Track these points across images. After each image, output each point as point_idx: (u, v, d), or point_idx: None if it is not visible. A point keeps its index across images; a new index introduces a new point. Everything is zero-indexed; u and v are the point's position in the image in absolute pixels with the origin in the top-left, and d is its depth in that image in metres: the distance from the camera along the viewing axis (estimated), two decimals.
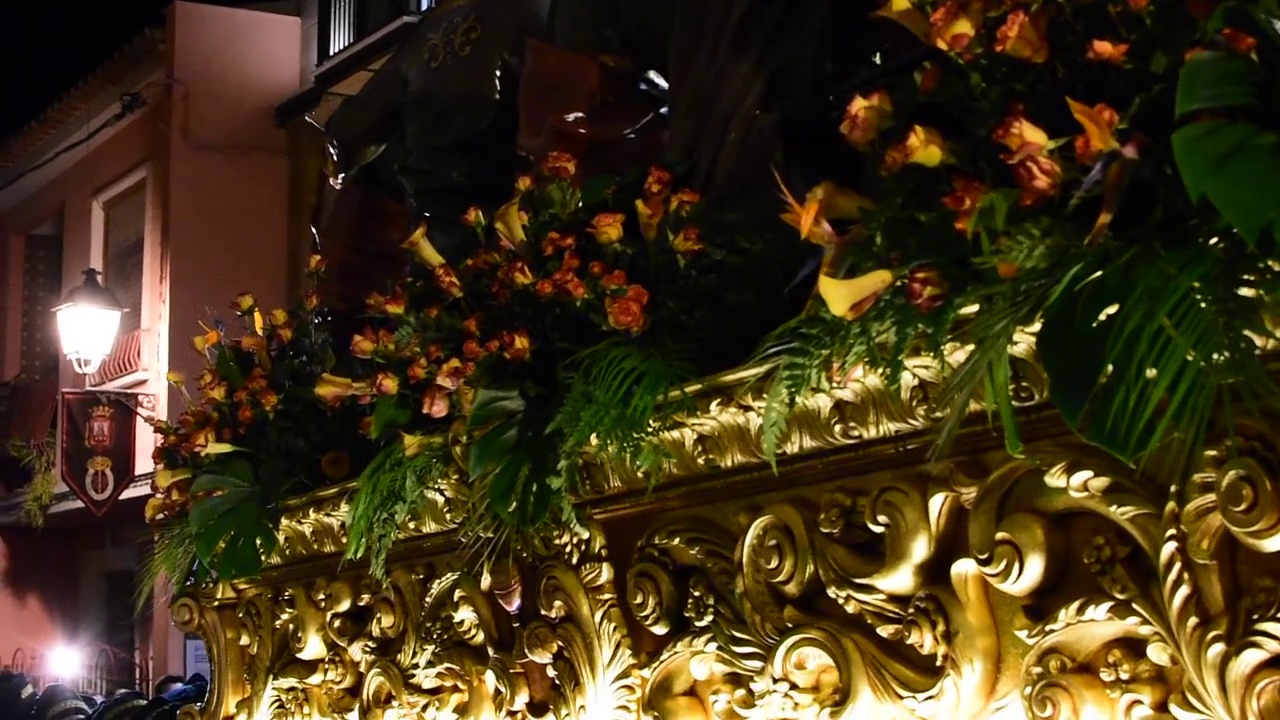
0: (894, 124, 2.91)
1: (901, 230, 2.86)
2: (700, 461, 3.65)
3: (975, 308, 2.69)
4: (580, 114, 4.83)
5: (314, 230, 6.77)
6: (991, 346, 2.58)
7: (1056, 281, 2.50)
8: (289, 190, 19.34)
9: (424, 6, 16.22)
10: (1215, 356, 2.24)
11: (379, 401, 4.48)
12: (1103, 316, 2.42)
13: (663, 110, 4.85)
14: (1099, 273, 2.46)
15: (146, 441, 17.10)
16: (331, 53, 17.83)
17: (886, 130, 2.93)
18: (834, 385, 3.10)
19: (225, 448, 5.48)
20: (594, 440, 3.73)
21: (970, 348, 2.77)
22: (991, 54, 2.72)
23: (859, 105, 2.93)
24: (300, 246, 18.04)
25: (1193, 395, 2.26)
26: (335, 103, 16.47)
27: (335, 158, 6.28)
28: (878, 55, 4.22)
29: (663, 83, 4.85)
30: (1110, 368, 2.38)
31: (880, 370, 2.94)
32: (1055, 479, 2.81)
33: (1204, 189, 2.24)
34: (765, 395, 3.24)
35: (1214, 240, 2.34)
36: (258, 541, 5.32)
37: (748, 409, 3.43)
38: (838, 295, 2.83)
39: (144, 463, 18.67)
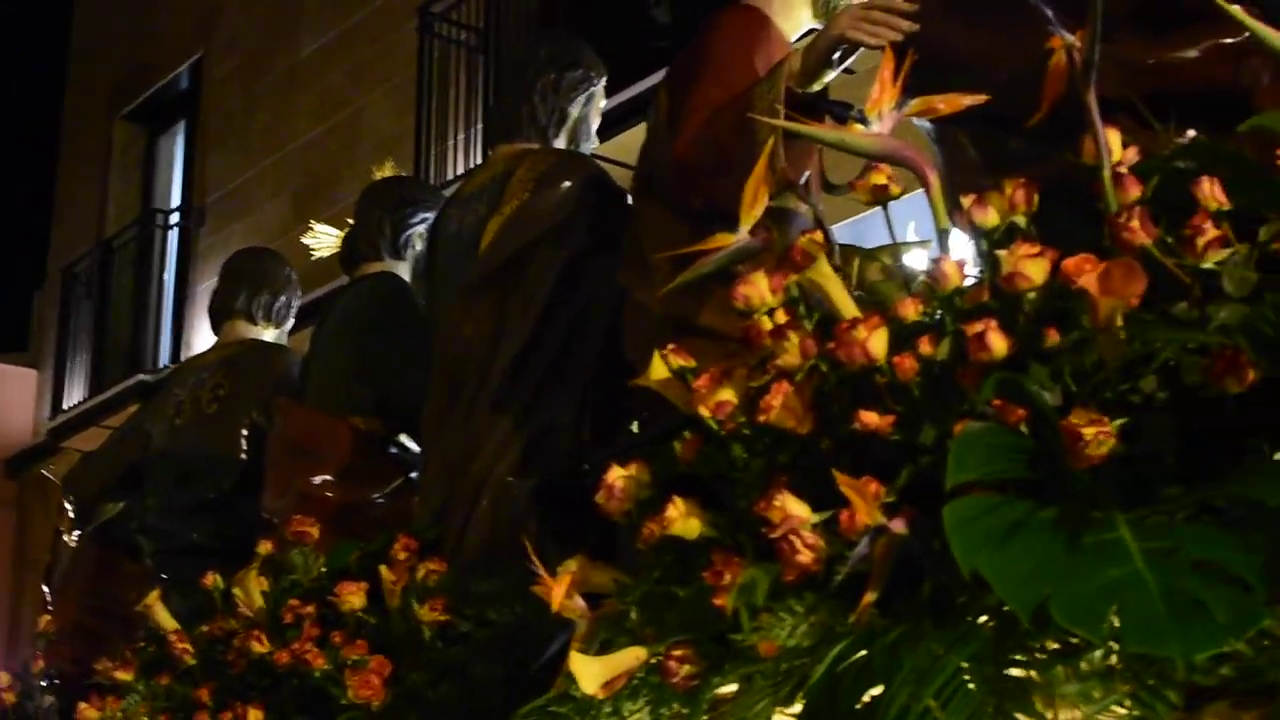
0: (652, 494, 2.80)
1: (658, 605, 2.73)
2: None
3: (734, 687, 2.55)
4: (328, 477, 4.68)
5: (45, 589, 6.47)
6: None
7: (819, 660, 2.38)
8: (14, 544, 18.69)
9: (161, 365, 16.08)
10: None
11: None
12: (866, 698, 2.30)
13: (413, 475, 4.72)
14: (863, 652, 2.35)
15: None
16: (65, 407, 17.48)
17: (644, 500, 2.81)
18: None
19: None
20: None
21: None
22: (754, 424, 2.64)
23: (615, 474, 2.81)
24: (23, 602, 17.40)
25: None
26: (67, 457, 16.15)
27: (71, 513, 6.02)
28: (635, 424, 4.15)
29: (414, 446, 4.74)
30: None
31: None
32: None
33: (975, 564, 2.13)
34: None
35: (983, 618, 2.24)
36: None
37: None
38: (589, 673, 2.67)
39: None
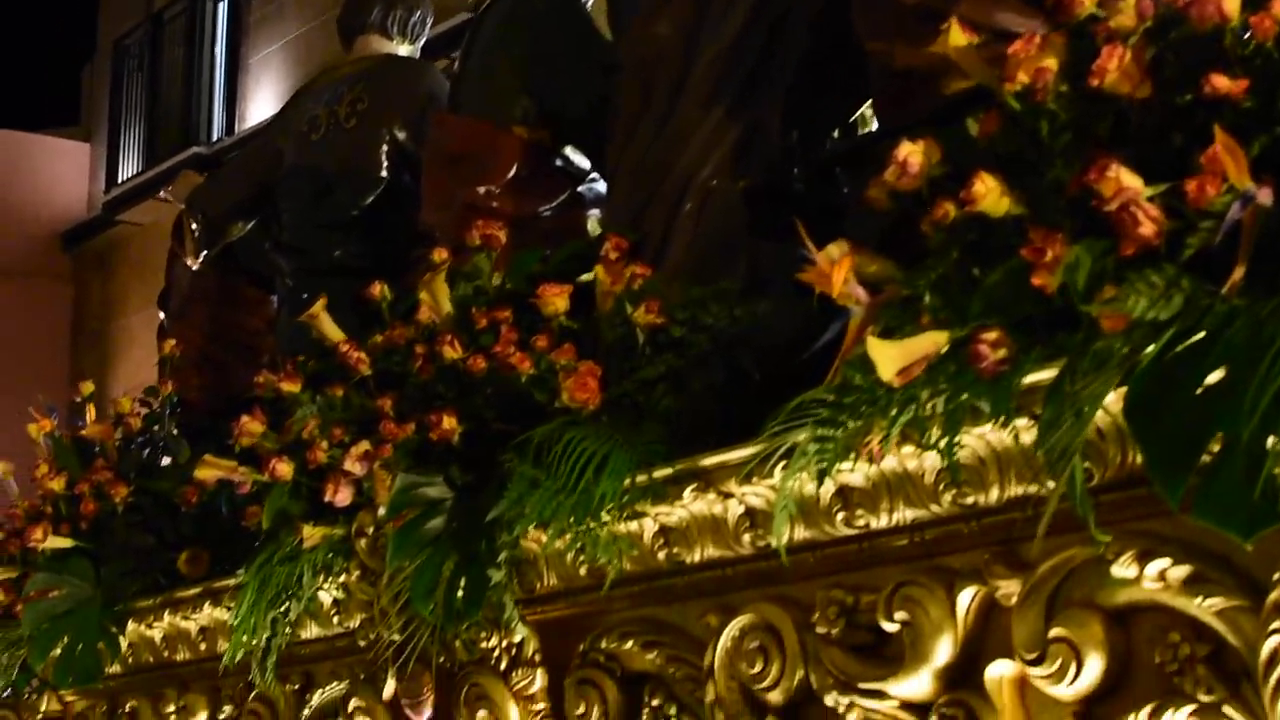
0: (944, 171, 2.62)
1: (955, 289, 2.55)
2: (661, 556, 3.29)
3: (1050, 373, 2.39)
4: (494, 187, 4.48)
5: (161, 313, 6.31)
6: (1094, 410, 2.28)
7: (1158, 339, 2.22)
8: (72, 318, 18.50)
9: (215, 138, 15.90)
10: None
11: (272, 489, 4.03)
12: (1213, 379, 2.14)
13: (579, 189, 4.54)
14: (1202, 334, 2.18)
15: None
16: (120, 180, 17.29)
17: (935, 179, 2.63)
18: (871, 462, 2.77)
19: (65, 542, 4.98)
20: (533, 531, 3.37)
21: (1024, 421, 2.49)
22: (1069, 94, 2.45)
23: (908, 149, 2.62)
24: (80, 375, 17.23)
25: None
26: (123, 230, 16.04)
27: (196, 235, 5.82)
28: (837, 130, 3.97)
29: (579, 159, 4.54)
30: (1222, 436, 2.11)
31: (929, 444, 2.61)
32: (1125, 569, 2.48)
33: None
34: (758, 478, 2.94)
35: None
36: (100, 648, 4.84)
37: (728, 496, 3.09)
38: (887, 358, 2.49)
39: None
